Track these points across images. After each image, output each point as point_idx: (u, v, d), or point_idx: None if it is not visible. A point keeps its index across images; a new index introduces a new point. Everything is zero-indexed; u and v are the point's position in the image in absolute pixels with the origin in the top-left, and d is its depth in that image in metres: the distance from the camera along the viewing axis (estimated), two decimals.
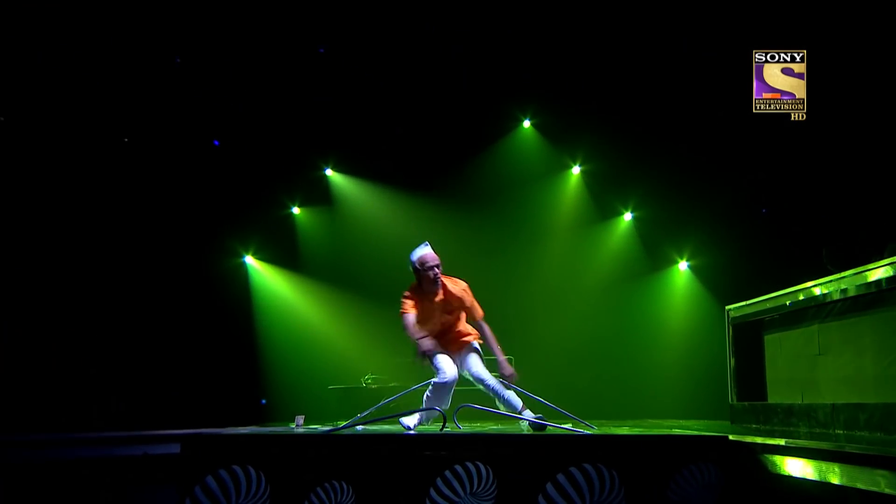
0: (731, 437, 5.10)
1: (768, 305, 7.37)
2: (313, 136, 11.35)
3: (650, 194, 11.11)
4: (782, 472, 4.57)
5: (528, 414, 6.20)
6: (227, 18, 10.23)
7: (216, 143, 11.38)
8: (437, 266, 6.47)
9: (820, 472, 4.19)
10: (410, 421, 6.27)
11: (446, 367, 6.31)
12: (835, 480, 4.06)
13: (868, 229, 7.52)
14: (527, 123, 11.54)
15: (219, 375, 10.62)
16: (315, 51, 11.07)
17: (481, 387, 6.42)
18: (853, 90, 8.25)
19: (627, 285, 11.22)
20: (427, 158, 11.30)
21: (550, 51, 10.66)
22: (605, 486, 4.95)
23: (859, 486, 3.85)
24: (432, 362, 6.34)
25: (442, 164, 11.22)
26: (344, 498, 5.08)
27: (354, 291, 11.11)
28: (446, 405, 6.36)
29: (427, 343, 6.24)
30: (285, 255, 11.67)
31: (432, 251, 6.51)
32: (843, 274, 6.32)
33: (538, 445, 5.14)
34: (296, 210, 11.88)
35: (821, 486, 4.21)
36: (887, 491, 3.65)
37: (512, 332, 8.88)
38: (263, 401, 11.31)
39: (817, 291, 6.63)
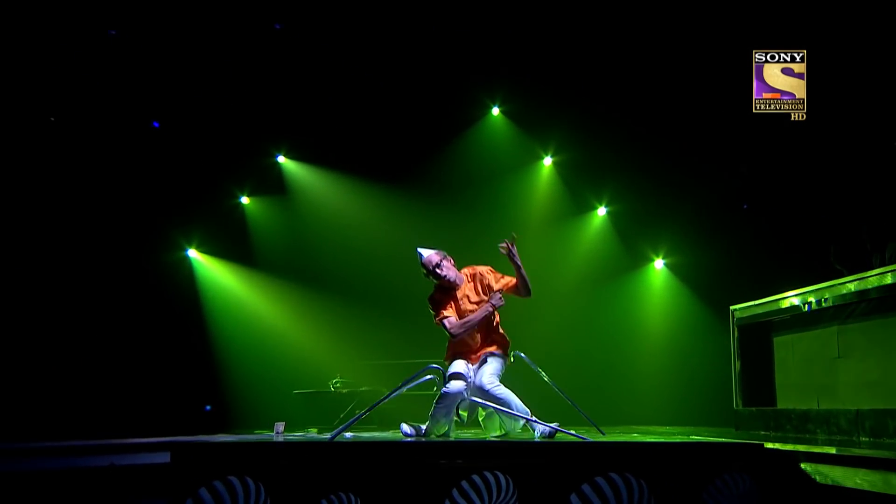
0: (767, 445, 4.75)
1: (780, 306, 7.08)
2: (265, 120, 10.57)
3: (625, 188, 10.65)
4: (833, 483, 4.24)
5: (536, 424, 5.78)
6: None
7: (155, 124, 10.46)
8: (444, 259, 6.08)
9: (886, 483, 3.86)
10: (411, 428, 5.83)
11: (457, 378, 5.86)
12: None
13: (875, 228, 7.28)
14: (496, 111, 10.93)
15: (161, 379, 9.82)
16: (270, 27, 10.19)
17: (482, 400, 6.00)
18: (853, 90, 8.03)
19: (603, 285, 10.68)
20: (391, 146, 10.67)
21: (519, 32, 10.06)
22: (633, 498, 4.63)
23: None
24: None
25: (407, 152, 10.62)
26: None
27: (316, 288, 10.51)
28: (452, 418, 5.93)
29: (496, 298, 5.94)
30: (235, 248, 10.90)
31: (427, 253, 6.12)
32: (866, 273, 6.06)
33: (562, 453, 4.82)
34: (245, 200, 11.14)
35: (882, 499, 3.88)
36: None
37: None
38: (208, 407, 10.48)
39: (838, 291, 6.35)
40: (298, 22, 10.15)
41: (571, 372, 9.01)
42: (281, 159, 11.12)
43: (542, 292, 10.34)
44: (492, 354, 6.02)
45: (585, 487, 4.61)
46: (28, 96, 9.39)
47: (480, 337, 6.06)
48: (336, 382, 9.40)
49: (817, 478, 4.41)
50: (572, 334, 10.30)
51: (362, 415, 6.03)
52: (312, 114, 10.61)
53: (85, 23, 9.35)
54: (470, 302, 6.03)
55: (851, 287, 6.21)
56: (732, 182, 9.98)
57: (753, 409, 7.45)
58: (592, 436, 5.61)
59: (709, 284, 9.95)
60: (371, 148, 10.68)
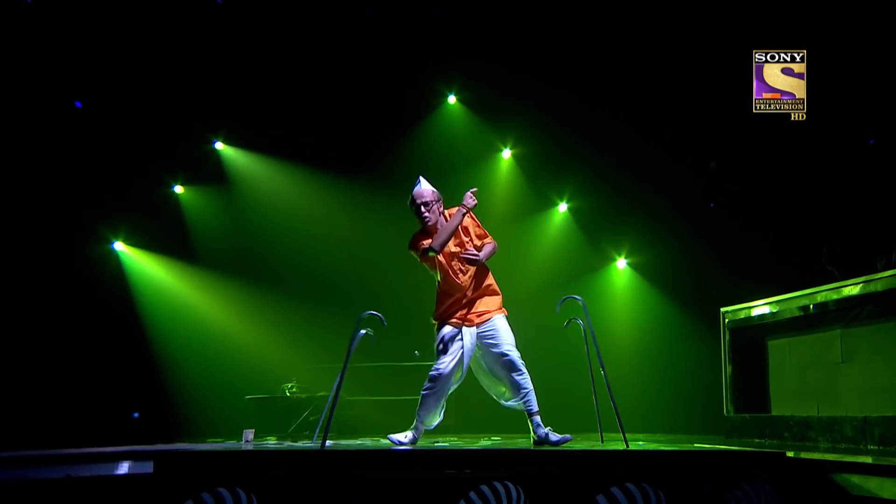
0: (789, 454, 4.53)
1: (777, 308, 6.89)
2: (201, 102, 9.82)
3: (588, 183, 10.23)
4: (869, 495, 4.00)
5: (537, 423, 5.45)
6: None
7: (78, 104, 9.59)
8: (436, 203, 5.60)
9: None
10: (402, 435, 5.45)
11: (448, 354, 5.44)
12: None
13: (872, 230, 7.15)
14: (452, 99, 10.43)
15: (87, 385, 9.01)
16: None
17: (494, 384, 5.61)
18: (853, 90, 7.94)
19: (566, 286, 9.99)
20: (341, 133, 10.14)
21: (476, 13, 9.57)
22: None
23: None
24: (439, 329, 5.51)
25: (358, 140, 10.13)
26: None
27: (265, 285, 9.90)
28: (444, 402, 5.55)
29: (468, 198, 5.55)
30: (170, 241, 10.09)
31: (424, 186, 5.64)
32: (873, 276, 5.88)
33: (576, 462, 4.59)
34: (178, 189, 10.36)
35: None
36: None
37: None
38: (135, 414, 9.66)
39: (840, 293, 6.17)
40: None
41: (540, 379, 8.61)
42: (219, 146, 10.41)
43: (504, 291, 10.02)
44: (495, 312, 5.58)
45: (601, 498, 4.37)
46: None
47: (473, 285, 5.58)
48: (292, 387, 8.94)
49: (850, 489, 4.18)
50: (535, 336, 9.69)
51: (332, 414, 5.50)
52: (254, 98, 9.94)
53: None
54: (453, 246, 5.58)
55: (856, 290, 6.04)
56: (700, 179, 9.80)
57: (747, 415, 7.23)
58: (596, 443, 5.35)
59: (678, 286, 9.68)
60: (320, 135, 10.13)
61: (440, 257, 5.54)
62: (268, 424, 8.42)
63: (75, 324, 9.12)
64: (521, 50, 9.72)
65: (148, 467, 4.58)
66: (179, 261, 10.13)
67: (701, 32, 8.87)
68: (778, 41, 7.24)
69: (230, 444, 5.87)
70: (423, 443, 5.61)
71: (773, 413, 7.07)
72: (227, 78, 9.79)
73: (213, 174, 10.31)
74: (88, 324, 9.24)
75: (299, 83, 9.95)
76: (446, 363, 5.40)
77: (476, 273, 5.61)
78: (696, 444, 5.75)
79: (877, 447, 5.67)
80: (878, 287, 5.82)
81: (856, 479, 4.18)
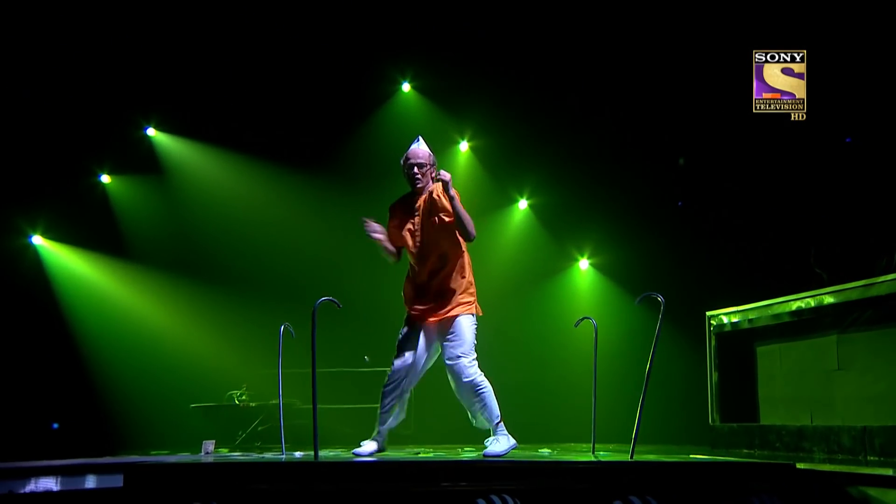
0: (798, 466, 4.41)
1: (768, 313, 6.63)
2: (131, 84, 9.19)
3: (550, 178, 9.78)
4: None
5: (502, 430, 5.00)
6: None
7: None
8: (430, 169, 5.09)
9: None
10: (365, 448, 4.99)
11: (403, 351, 4.99)
12: None
13: (872, 231, 6.97)
14: (406, 87, 9.89)
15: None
16: None
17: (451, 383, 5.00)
18: (854, 90, 7.82)
19: (528, 288, 9.80)
20: (287, 122, 9.53)
21: None
22: None
23: None
24: None
25: (307, 128, 9.54)
26: None
27: (207, 283, 9.27)
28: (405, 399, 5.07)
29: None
30: (97, 234, 9.40)
31: (422, 146, 5.15)
32: (875, 279, 5.65)
33: (577, 475, 4.32)
34: (105, 178, 9.67)
35: None
36: None
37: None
38: (55, 425, 8.96)
39: (838, 297, 5.93)
40: None
41: (504, 387, 8.19)
42: (151, 132, 9.73)
43: None
44: (460, 310, 4.97)
45: None
46: None
47: (436, 275, 5.00)
48: (241, 395, 8.36)
49: (870, 502, 3.90)
50: (498, 339, 8.81)
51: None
52: (191, 79, 9.29)
53: None
54: (419, 221, 5.03)
55: (855, 294, 5.80)
56: (668, 175, 9.48)
57: (734, 425, 6.93)
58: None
59: (650, 289, 9.35)
60: (263, 121, 9.50)
61: (405, 234, 5.06)
62: (214, 435, 7.81)
63: None
64: (481, 34, 9.23)
65: (115, 481, 4.23)
66: (107, 256, 9.45)
67: (701, 32, 8.64)
68: (778, 41, 7.10)
69: (185, 457, 5.38)
70: (406, 455, 5.21)
71: (762, 422, 6.79)
72: (161, 57, 9.11)
73: (144, 163, 9.63)
74: (3, 324, 8.54)
75: (241, 64, 9.31)
76: (401, 360, 4.96)
77: (441, 262, 5.00)
78: (691, 455, 5.45)
79: (877, 458, 5.44)
80: (881, 291, 5.58)
81: (874, 491, 3.93)
